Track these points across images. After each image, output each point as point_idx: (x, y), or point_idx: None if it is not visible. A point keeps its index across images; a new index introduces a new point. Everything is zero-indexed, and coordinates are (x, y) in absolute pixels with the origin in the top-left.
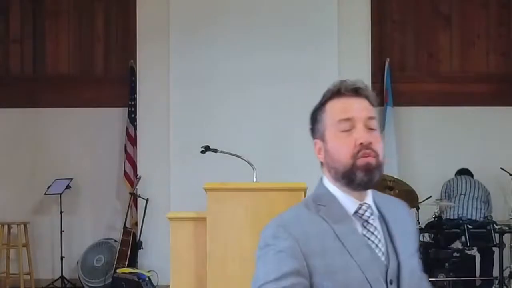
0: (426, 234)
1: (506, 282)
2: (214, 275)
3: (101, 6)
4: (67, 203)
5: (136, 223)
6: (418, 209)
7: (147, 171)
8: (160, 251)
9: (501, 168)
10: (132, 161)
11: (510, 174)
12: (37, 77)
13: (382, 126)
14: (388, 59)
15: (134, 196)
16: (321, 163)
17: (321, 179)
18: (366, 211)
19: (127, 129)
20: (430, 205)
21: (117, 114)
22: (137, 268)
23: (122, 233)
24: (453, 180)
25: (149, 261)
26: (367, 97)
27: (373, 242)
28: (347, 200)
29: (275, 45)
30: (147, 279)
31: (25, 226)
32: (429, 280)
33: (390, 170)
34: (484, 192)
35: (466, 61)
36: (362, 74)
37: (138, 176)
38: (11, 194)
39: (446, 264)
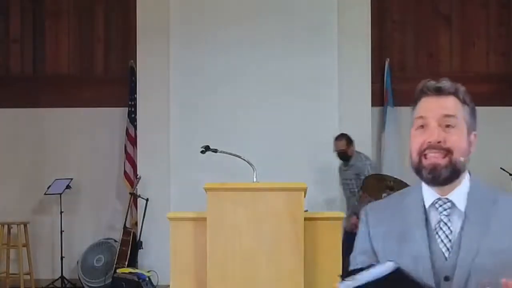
0: None
1: None
2: (214, 275)
3: (101, 6)
4: (67, 203)
5: (136, 223)
6: None
7: (147, 171)
8: (160, 251)
9: (501, 168)
10: (132, 161)
11: (510, 174)
12: (37, 77)
13: (383, 127)
14: (388, 59)
15: (134, 196)
16: None
17: None
18: (441, 205)
19: (127, 129)
20: None
21: (117, 114)
22: (137, 268)
23: (122, 233)
24: None
25: (149, 261)
26: (453, 94)
27: (439, 236)
28: (428, 193)
29: (275, 45)
30: (147, 279)
31: (25, 226)
32: None
33: (391, 170)
34: None
35: (466, 61)
36: (362, 74)
37: (138, 176)
38: (11, 194)
39: None
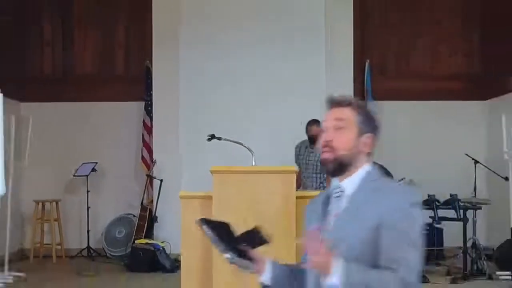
0: None
1: (469, 251)
2: None
3: (122, 15)
4: (93, 184)
5: (151, 201)
6: None
7: (161, 156)
8: (173, 225)
9: (465, 154)
10: (148, 147)
11: (473, 159)
12: (67, 76)
13: None
14: (368, 60)
15: (150, 178)
16: None
17: None
18: (335, 189)
19: (143, 120)
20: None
21: (135, 107)
22: (153, 240)
23: (140, 209)
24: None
25: (163, 233)
26: (349, 106)
27: (330, 216)
28: (335, 181)
29: (272, 49)
30: (162, 249)
31: (56, 203)
32: None
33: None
34: None
35: (437, 62)
36: (346, 73)
37: (153, 160)
38: (45, 176)
39: None
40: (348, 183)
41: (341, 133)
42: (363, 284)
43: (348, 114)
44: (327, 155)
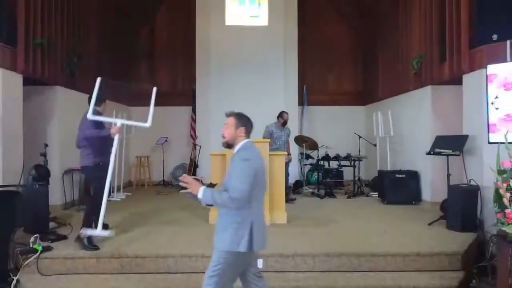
0: (322, 162)
1: (356, 182)
2: None
3: (180, 59)
4: (166, 148)
5: (195, 157)
6: (318, 150)
7: (200, 134)
8: (206, 168)
9: (354, 133)
10: (194, 130)
11: (358, 135)
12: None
13: (302, 115)
14: (305, 85)
15: (194, 145)
16: None
17: None
18: (233, 154)
19: (191, 115)
20: (324, 148)
21: (187, 109)
22: (196, 176)
23: (189, 160)
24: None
25: (201, 172)
26: (232, 116)
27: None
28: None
29: (256, 76)
30: (200, 181)
31: (147, 157)
32: (323, 182)
33: (307, 133)
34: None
35: (339, 84)
36: (294, 91)
37: (196, 136)
38: (142, 143)
39: (331, 174)
40: (235, 151)
41: (228, 129)
42: (212, 198)
43: (231, 120)
44: (223, 140)
